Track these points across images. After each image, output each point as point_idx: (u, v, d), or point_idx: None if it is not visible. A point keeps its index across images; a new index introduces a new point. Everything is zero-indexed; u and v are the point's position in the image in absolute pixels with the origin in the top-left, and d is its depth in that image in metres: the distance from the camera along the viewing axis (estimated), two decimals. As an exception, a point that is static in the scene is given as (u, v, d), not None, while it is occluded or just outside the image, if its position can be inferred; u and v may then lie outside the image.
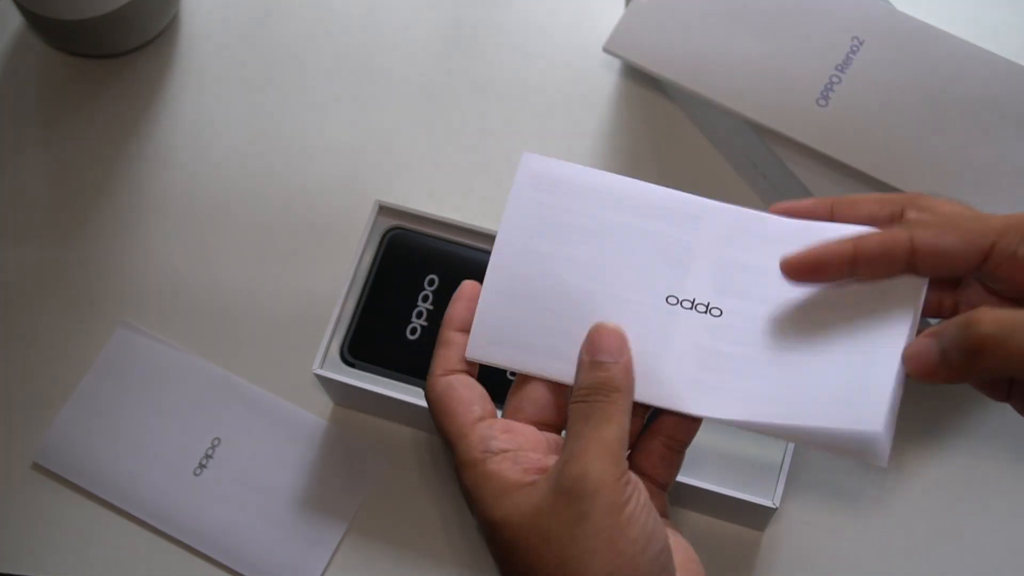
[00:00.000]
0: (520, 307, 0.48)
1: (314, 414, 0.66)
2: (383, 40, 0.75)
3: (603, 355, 0.45)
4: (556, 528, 0.42)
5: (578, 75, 0.73)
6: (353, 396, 0.63)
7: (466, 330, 0.48)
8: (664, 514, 0.48)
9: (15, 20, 0.76)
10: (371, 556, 0.63)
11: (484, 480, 0.44)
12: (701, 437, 0.49)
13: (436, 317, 0.62)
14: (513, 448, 0.45)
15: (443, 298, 0.62)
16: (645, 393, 0.47)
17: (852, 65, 0.63)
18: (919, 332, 0.45)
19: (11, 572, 0.64)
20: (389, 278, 0.63)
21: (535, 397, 0.47)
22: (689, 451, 0.49)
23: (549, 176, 0.49)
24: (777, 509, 0.58)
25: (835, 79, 0.63)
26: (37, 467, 0.66)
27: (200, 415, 0.66)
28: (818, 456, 0.63)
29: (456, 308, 0.48)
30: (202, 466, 0.65)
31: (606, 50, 0.66)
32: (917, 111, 0.62)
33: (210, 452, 0.66)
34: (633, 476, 0.44)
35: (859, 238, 0.46)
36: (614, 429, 0.44)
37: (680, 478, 0.57)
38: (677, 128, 0.71)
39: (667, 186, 0.49)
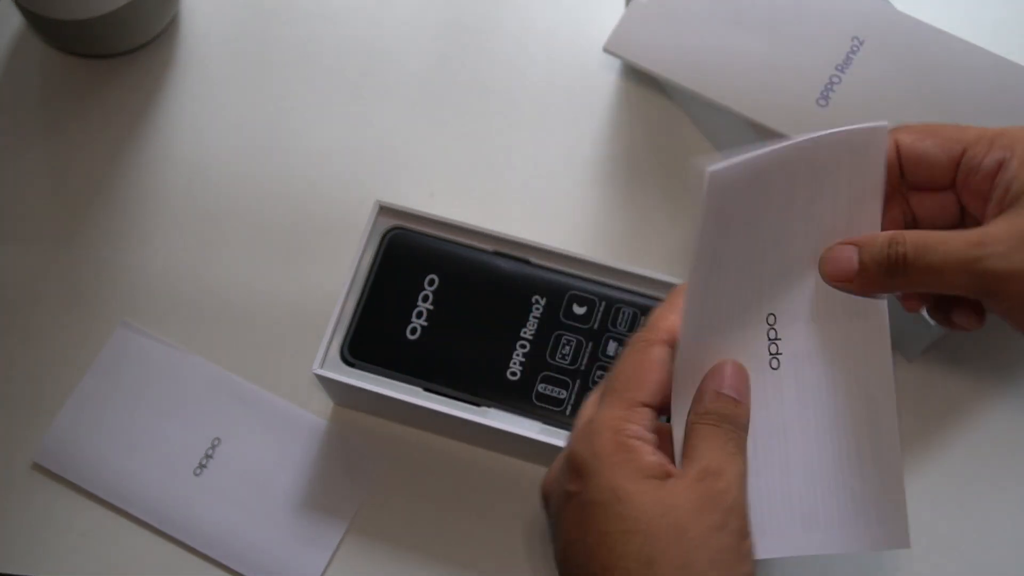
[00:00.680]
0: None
1: (314, 414, 0.66)
2: (383, 39, 0.75)
3: (733, 392, 0.46)
4: (693, 528, 0.43)
5: (578, 75, 0.73)
6: (353, 396, 0.63)
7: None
8: None
9: (15, 20, 0.76)
10: (371, 556, 0.63)
11: (625, 449, 0.44)
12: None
13: (436, 317, 0.62)
14: (655, 446, 0.46)
15: (443, 298, 0.62)
16: None
17: (852, 65, 0.63)
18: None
19: (11, 572, 0.64)
20: (389, 278, 0.62)
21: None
22: None
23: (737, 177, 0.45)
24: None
25: (835, 79, 0.63)
26: (37, 467, 0.66)
27: (200, 415, 0.66)
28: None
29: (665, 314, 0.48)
30: (202, 466, 0.65)
31: (606, 50, 0.66)
32: (917, 111, 0.62)
33: (210, 452, 0.65)
34: None
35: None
36: (744, 464, 0.45)
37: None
38: (677, 128, 0.71)
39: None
